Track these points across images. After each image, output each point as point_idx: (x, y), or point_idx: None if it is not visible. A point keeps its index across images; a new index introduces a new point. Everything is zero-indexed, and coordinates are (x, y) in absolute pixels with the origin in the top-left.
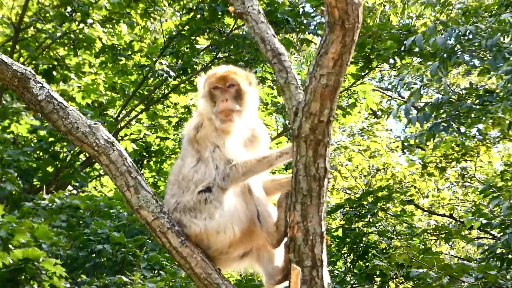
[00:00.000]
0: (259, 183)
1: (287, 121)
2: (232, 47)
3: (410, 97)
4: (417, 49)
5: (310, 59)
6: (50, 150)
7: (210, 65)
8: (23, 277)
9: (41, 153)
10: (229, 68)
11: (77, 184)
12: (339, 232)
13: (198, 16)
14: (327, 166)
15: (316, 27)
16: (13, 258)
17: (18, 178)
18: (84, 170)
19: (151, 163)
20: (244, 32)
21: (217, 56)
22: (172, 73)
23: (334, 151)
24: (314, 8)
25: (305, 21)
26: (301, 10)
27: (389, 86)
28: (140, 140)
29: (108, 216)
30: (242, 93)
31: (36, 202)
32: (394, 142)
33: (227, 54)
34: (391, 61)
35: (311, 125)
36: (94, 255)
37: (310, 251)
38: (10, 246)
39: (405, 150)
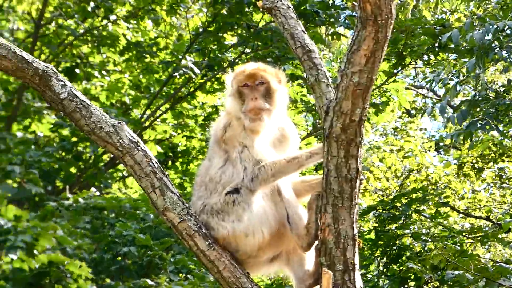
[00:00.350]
0: (288, 184)
1: (318, 120)
2: (260, 42)
3: (445, 94)
4: (452, 45)
5: (340, 55)
6: (73, 150)
7: (237, 61)
8: (47, 281)
9: (63, 154)
10: (258, 66)
11: (101, 185)
12: (372, 235)
13: (224, 11)
14: (359, 167)
15: (347, 20)
16: (38, 263)
17: (41, 180)
18: (108, 171)
19: (177, 163)
20: (272, 26)
21: (244, 52)
22: (197, 70)
23: (366, 151)
24: (344, 1)
25: (335, 14)
26: (330, 2)
27: (424, 83)
28: (166, 141)
29: (133, 218)
30: (272, 92)
31: (60, 203)
32: (427, 142)
33: (255, 50)
34: (425, 57)
35: (342, 125)
36: (119, 258)
37: (342, 254)
38: (34, 250)
39: (440, 150)
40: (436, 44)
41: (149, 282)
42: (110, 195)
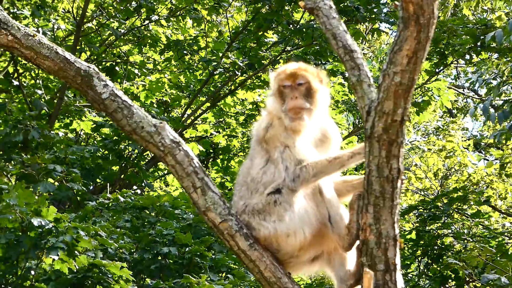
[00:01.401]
0: (330, 184)
1: (359, 120)
2: (300, 39)
3: (488, 94)
4: (494, 44)
5: (381, 55)
6: (115, 148)
7: (278, 59)
8: (89, 282)
9: (105, 152)
10: (299, 65)
11: (143, 184)
12: (413, 235)
13: (264, 9)
14: (400, 167)
15: (388, 15)
16: (78, 264)
17: (82, 178)
18: (149, 170)
19: (218, 161)
20: (312, 23)
21: (285, 50)
22: (240, 63)
23: (408, 151)
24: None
25: (375, 9)
26: None
27: (466, 84)
28: (207, 138)
29: (174, 217)
30: (313, 91)
31: (100, 202)
32: (466, 140)
33: (296, 47)
34: (467, 56)
35: (384, 125)
36: (159, 257)
37: (383, 254)
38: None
39: (480, 150)
40: (478, 43)
41: (191, 278)
42: (150, 193)
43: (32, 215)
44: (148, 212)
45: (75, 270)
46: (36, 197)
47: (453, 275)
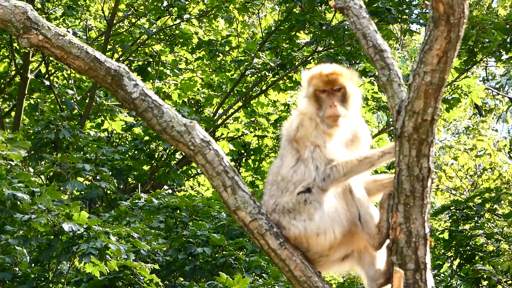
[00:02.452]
0: (360, 183)
1: (390, 119)
2: (332, 40)
3: None
4: None
5: (414, 55)
6: (145, 148)
7: (309, 59)
8: (120, 283)
9: (136, 152)
10: (335, 70)
11: (174, 184)
12: (445, 235)
13: (296, 9)
14: (430, 166)
15: (419, 17)
16: (109, 269)
17: (113, 177)
18: (180, 169)
19: (249, 161)
20: (344, 24)
21: (317, 50)
22: (272, 64)
23: (438, 150)
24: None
25: (407, 10)
26: None
27: (495, 84)
28: (238, 139)
29: (207, 217)
30: (348, 96)
31: (133, 202)
32: (500, 141)
33: (327, 48)
34: (497, 53)
35: (414, 124)
36: (193, 258)
37: (413, 253)
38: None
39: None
40: (508, 40)
41: (225, 276)
42: (182, 193)
43: (64, 219)
44: (180, 213)
45: (106, 274)
46: (66, 198)
47: (485, 275)
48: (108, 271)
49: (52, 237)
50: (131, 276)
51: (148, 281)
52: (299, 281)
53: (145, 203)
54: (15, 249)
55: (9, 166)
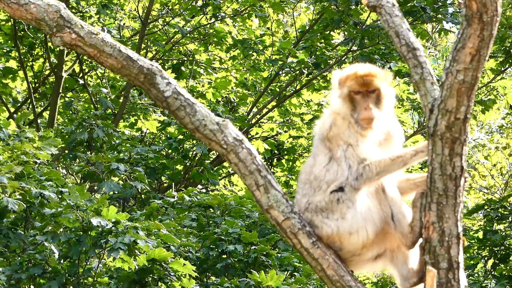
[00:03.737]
0: (393, 182)
1: (423, 118)
2: (367, 39)
3: None
4: None
5: (447, 53)
6: (179, 148)
7: (344, 59)
8: (150, 278)
9: (170, 151)
10: (370, 71)
11: (208, 183)
12: (480, 234)
13: (331, 8)
14: (463, 165)
15: (453, 16)
16: (138, 264)
17: (147, 176)
18: (214, 169)
19: (283, 161)
20: (379, 23)
21: (351, 50)
22: (309, 61)
23: (471, 149)
24: None
25: (441, 10)
26: None
27: None
28: (272, 138)
29: (239, 215)
30: (382, 97)
31: (165, 200)
32: None
33: (362, 48)
34: None
35: (447, 123)
36: (225, 255)
37: (446, 252)
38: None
39: None
40: None
41: (257, 274)
42: (215, 192)
43: (93, 214)
44: (213, 211)
45: (134, 269)
46: (97, 196)
47: None
48: (137, 266)
49: (81, 233)
50: (161, 270)
51: (180, 275)
52: (332, 280)
53: (176, 201)
54: (44, 245)
55: (36, 165)
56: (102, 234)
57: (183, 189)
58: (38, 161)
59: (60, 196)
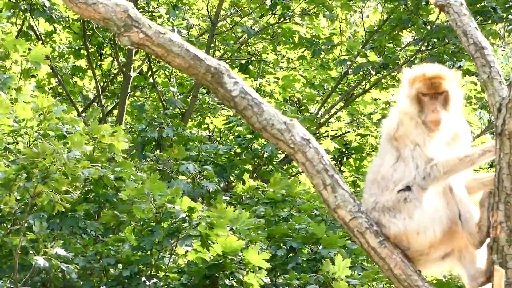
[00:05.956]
0: (460, 182)
1: (492, 118)
2: (436, 39)
3: None
4: None
5: None
6: (248, 147)
7: (413, 59)
8: (221, 273)
9: (238, 150)
10: (439, 73)
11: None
12: None
13: (400, 7)
14: None
15: None
16: (212, 254)
17: (216, 175)
18: (283, 167)
19: (351, 160)
20: (448, 23)
21: (420, 50)
22: (379, 60)
23: None
24: None
25: None
26: None
27: None
28: (340, 137)
29: (306, 212)
30: (450, 99)
31: (234, 193)
32: None
33: (431, 47)
34: None
35: None
36: (292, 252)
37: None
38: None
39: None
40: None
41: (327, 270)
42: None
43: (165, 206)
44: (281, 205)
45: (208, 261)
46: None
47: None
48: (211, 257)
49: (154, 224)
50: (233, 264)
51: (250, 267)
52: (399, 279)
53: (245, 194)
54: (119, 236)
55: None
56: (175, 224)
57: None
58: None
59: (135, 187)
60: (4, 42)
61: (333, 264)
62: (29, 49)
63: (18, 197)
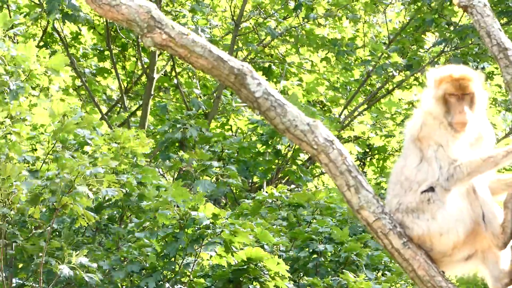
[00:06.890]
0: (484, 182)
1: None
2: (459, 40)
3: None
4: None
5: None
6: (271, 143)
7: (436, 60)
8: (245, 278)
9: (261, 149)
10: (466, 74)
11: (301, 179)
12: None
13: (424, 8)
14: None
15: None
16: (237, 259)
17: (239, 174)
18: (308, 167)
19: (374, 160)
20: (471, 24)
21: (444, 51)
22: (402, 61)
23: None
24: None
25: None
26: None
27: None
28: (362, 138)
29: (329, 214)
30: (476, 100)
31: (256, 200)
32: None
33: (455, 48)
34: None
35: None
36: (315, 255)
37: None
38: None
39: None
40: None
41: (350, 275)
42: (304, 190)
43: (189, 213)
44: (303, 210)
45: (232, 265)
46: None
47: None
48: (236, 262)
49: (178, 230)
50: (257, 269)
51: (273, 274)
52: (423, 280)
53: (266, 198)
54: (142, 242)
55: (134, 160)
56: (199, 230)
57: (274, 188)
58: (134, 160)
59: (157, 192)
60: (24, 58)
61: (357, 267)
62: (53, 52)
63: (43, 209)
